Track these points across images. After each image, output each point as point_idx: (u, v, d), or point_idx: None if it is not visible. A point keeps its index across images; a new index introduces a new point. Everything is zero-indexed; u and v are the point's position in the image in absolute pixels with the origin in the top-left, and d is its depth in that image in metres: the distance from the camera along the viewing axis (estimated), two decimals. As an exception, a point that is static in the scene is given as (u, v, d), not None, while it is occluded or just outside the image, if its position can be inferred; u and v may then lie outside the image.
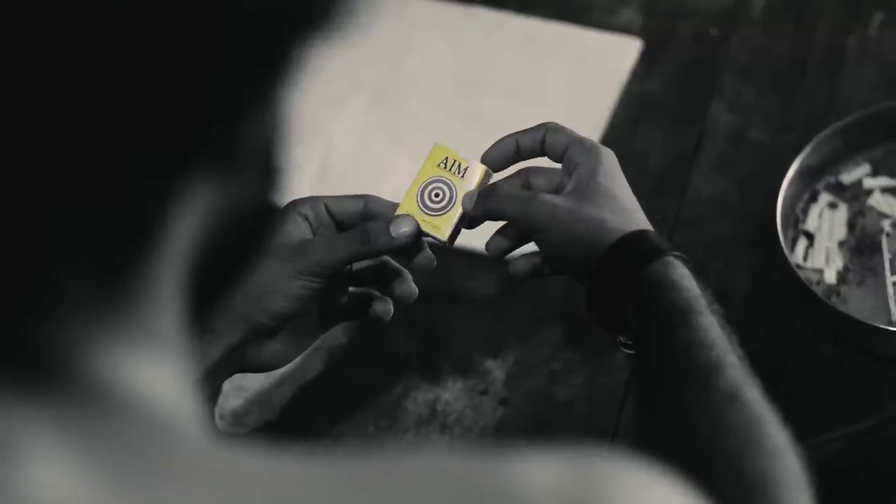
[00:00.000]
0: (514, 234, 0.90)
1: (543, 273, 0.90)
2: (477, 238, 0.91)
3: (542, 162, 0.90)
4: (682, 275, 0.81)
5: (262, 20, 0.39)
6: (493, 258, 0.91)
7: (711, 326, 0.78)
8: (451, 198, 0.88)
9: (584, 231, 0.84)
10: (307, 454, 0.42)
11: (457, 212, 0.88)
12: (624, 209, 0.85)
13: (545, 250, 0.88)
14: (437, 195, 0.88)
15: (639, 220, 0.85)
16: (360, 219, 0.89)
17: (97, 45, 0.37)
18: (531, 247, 0.90)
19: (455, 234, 0.89)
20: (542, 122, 0.90)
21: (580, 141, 0.88)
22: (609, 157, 0.87)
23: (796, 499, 0.69)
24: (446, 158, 0.89)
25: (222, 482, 0.40)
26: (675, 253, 0.82)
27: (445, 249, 0.90)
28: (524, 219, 0.86)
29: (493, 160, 0.90)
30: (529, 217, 0.85)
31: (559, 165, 0.89)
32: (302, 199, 0.89)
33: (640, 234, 0.83)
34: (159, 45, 0.38)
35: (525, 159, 0.90)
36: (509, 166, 0.90)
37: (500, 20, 1.33)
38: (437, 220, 0.88)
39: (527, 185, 0.90)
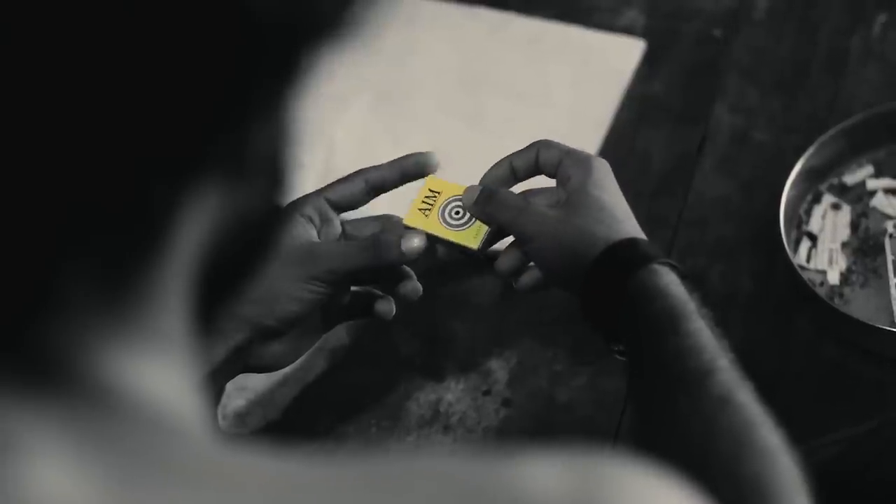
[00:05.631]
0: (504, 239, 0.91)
1: (547, 286, 0.91)
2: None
3: (541, 181, 0.91)
4: (669, 282, 0.81)
5: (272, 28, 0.39)
6: (504, 275, 0.92)
7: (700, 331, 0.78)
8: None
9: (571, 241, 0.85)
10: (311, 456, 0.42)
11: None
12: (613, 218, 0.86)
13: (535, 260, 0.88)
14: (457, 213, 0.90)
15: (629, 228, 0.86)
16: (365, 197, 0.91)
17: (107, 52, 0.37)
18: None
19: (487, 243, 0.90)
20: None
21: (571, 154, 0.89)
22: (600, 167, 0.88)
23: (792, 501, 0.69)
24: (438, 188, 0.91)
25: (227, 484, 0.40)
26: (663, 259, 0.83)
27: (441, 263, 0.92)
28: (515, 227, 0.87)
29: (492, 185, 0.91)
30: (520, 226, 0.87)
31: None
32: (302, 198, 0.90)
33: (627, 243, 0.84)
34: (169, 53, 0.38)
35: (522, 180, 0.92)
36: (508, 189, 0.91)
37: (504, 21, 1.33)
38: (461, 234, 0.89)
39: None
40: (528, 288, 0.91)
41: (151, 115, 0.38)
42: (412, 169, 0.91)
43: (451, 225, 0.90)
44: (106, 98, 0.38)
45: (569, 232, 0.85)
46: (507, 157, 0.91)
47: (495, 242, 0.91)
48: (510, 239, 0.91)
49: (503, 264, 0.90)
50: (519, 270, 0.91)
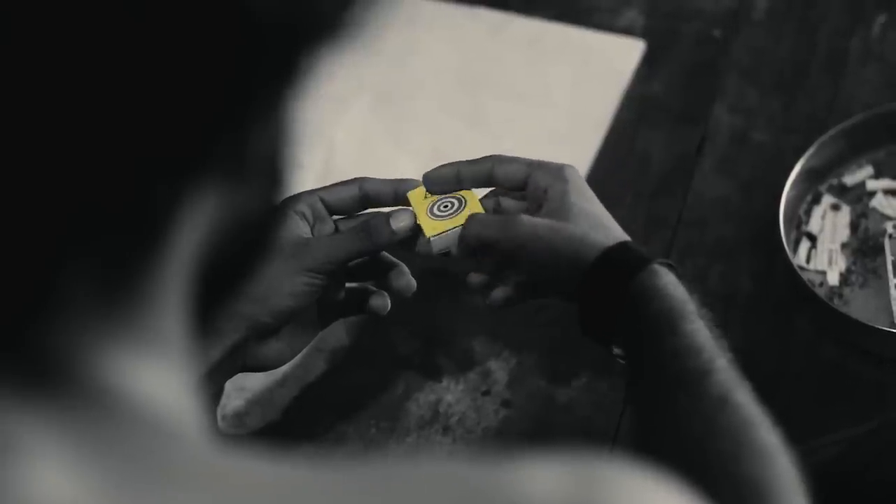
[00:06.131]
0: (490, 265, 0.92)
1: (520, 300, 0.91)
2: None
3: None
4: (667, 283, 0.82)
5: (272, 28, 0.39)
6: (475, 290, 0.93)
7: (699, 331, 0.79)
8: (459, 206, 0.90)
9: (566, 247, 0.85)
10: (311, 460, 0.42)
11: (468, 213, 0.90)
12: (601, 224, 0.87)
13: (528, 267, 0.88)
14: (445, 206, 0.90)
15: (617, 233, 0.87)
16: (357, 204, 0.91)
17: (108, 52, 0.37)
18: None
19: (441, 240, 0.90)
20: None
21: (540, 166, 0.89)
22: (575, 176, 0.89)
23: (790, 501, 0.69)
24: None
25: (225, 488, 0.40)
26: (661, 260, 0.83)
27: (443, 257, 0.92)
28: (507, 239, 0.87)
29: (432, 184, 0.91)
30: (512, 237, 0.87)
31: None
32: (297, 195, 0.90)
33: (622, 246, 0.84)
34: (171, 55, 0.38)
35: (466, 188, 0.92)
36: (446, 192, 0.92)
37: (504, 21, 1.33)
38: (446, 224, 0.90)
39: (497, 208, 0.92)
40: (500, 303, 0.91)
41: (152, 115, 0.38)
42: (405, 193, 0.91)
43: (432, 212, 0.90)
44: (106, 98, 0.38)
45: (562, 238, 0.85)
46: (456, 163, 0.92)
47: (446, 249, 0.90)
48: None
49: (475, 278, 0.92)
50: (491, 285, 0.91)
